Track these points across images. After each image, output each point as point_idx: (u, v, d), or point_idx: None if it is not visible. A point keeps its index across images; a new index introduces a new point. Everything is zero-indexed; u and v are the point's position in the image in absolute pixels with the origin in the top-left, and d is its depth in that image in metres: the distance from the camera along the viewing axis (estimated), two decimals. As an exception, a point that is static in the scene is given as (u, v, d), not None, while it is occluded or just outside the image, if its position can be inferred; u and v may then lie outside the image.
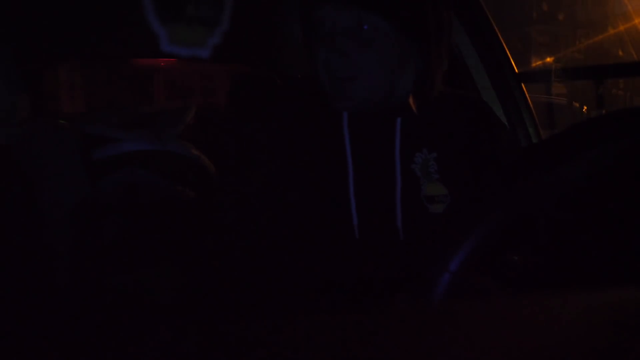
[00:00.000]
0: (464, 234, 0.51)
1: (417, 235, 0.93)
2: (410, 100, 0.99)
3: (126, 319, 1.23)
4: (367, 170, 0.94)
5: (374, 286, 0.86)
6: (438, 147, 0.97)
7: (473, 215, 0.52)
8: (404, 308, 0.39)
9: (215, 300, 1.00)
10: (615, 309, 0.37)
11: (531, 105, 1.67)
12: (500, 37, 1.63)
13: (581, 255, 0.58)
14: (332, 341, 0.33)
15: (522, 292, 0.37)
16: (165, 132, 1.92)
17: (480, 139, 0.99)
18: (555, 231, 0.57)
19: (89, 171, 1.46)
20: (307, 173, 0.94)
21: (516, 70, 1.66)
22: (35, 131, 1.32)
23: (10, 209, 1.15)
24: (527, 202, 0.53)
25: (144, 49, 2.19)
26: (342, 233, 0.93)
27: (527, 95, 1.67)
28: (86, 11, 1.81)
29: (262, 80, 1.70)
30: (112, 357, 0.32)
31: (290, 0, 1.94)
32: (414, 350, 0.32)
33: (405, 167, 0.95)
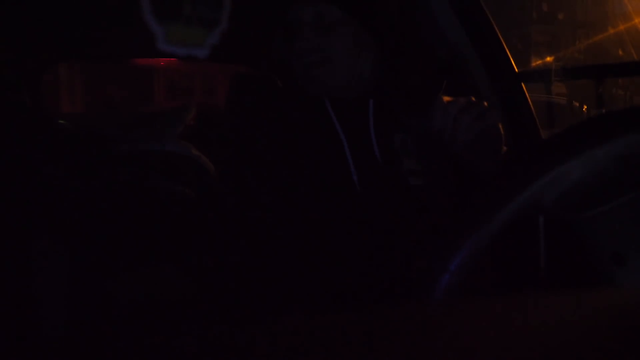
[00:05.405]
0: (464, 234, 0.51)
1: (401, 204, 1.03)
2: (377, 84, 1.12)
3: (126, 319, 1.23)
4: (356, 146, 1.06)
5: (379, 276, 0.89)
6: (411, 129, 1.09)
7: (473, 214, 0.52)
8: (404, 308, 0.39)
9: (217, 300, 1.01)
10: (615, 309, 0.37)
11: (531, 105, 1.67)
12: (500, 37, 1.63)
13: (582, 255, 0.58)
14: (332, 341, 0.33)
15: (522, 292, 0.37)
16: (165, 132, 1.92)
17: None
18: (555, 231, 0.57)
19: (88, 171, 1.46)
20: (307, 154, 1.04)
21: (516, 70, 1.66)
22: (35, 131, 1.32)
23: (10, 209, 1.15)
24: (527, 202, 0.53)
25: (144, 49, 2.19)
26: (346, 198, 1.02)
27: (527, 95, 1.67)
28: (86, 11, 1.81)
29: (262, 81, 1.70)
30: (112, 357, 0.32)
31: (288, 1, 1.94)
32: (414, 350, 0.32)
33: (382, 145, 1.06)
